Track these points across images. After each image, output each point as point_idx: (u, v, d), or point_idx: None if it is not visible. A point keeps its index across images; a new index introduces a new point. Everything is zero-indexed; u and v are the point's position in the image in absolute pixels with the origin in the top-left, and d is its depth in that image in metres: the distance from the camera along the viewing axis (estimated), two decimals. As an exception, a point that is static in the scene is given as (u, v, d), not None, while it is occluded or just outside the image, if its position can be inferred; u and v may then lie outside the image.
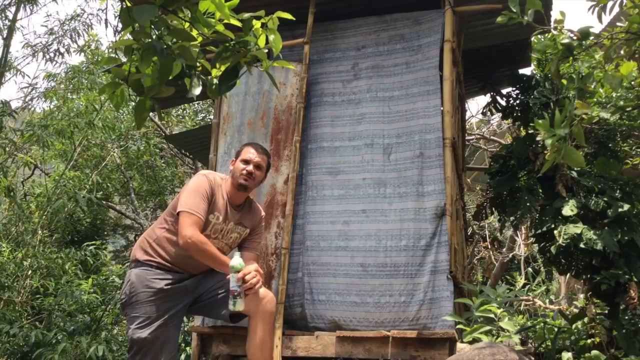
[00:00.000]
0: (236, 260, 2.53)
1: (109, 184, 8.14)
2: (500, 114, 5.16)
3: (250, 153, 2.83)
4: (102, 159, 7.62)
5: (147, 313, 2.59)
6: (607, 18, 2.69)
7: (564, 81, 4.33)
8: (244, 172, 2.77)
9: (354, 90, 3.58)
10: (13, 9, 6.22)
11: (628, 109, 4.21)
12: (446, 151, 3.25)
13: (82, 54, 7.64)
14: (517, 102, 4.81)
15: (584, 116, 2.30)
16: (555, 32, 2.80)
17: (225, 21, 1.79)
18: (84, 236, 8.17)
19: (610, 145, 4.47)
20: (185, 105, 9.54)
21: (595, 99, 4.40)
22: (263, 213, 3.01)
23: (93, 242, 6.21)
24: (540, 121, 2.31)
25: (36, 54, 6.91)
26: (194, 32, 1.77)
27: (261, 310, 2.66)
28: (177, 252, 2.68)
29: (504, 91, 5.02)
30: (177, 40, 1.70)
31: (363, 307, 3.13)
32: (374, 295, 3.12)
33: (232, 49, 1.85)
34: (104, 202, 8.41)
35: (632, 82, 4.08)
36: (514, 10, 2.51)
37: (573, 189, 4.06)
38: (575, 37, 2.60)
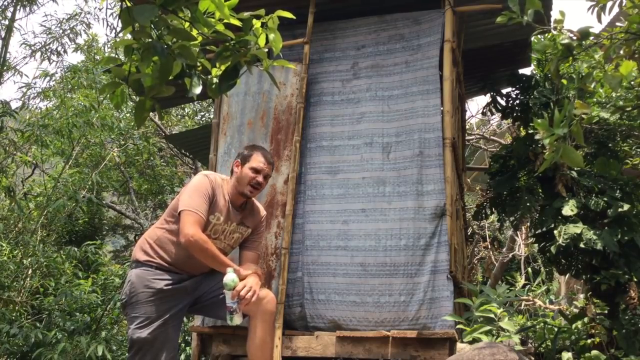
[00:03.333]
0: (229, 277, 2.50)
1: (107, 183, 8.14)
2: (500, 114, 5.16)
3: (261, 162, 2.78)
4: (102, 159, 7.62)
5: (146, 313, 2.59)
6: (606, 18, 2.70)
7: (564, 81, 4.33)
8: (254, 182, 2.75)
9: (353, 89, 3.58)
10: (12, 8, 6.22)
11: (628, 109, 4.21)
12: (446, 151, 3.25)
13: (81, 52, 7.64)
14: (517, 102, 4.81)
15: (583, 116, 2.31)
16: (555, 32, 2.80)
17: (225, 21, 1.79)
18: (81, 236, 8.16)
19: (610, 145, 4.47)
20: (186, 105, 9.54)
21: (595, 99, 4.40)
22: (264, 212, 3.00)
23: (93, 242, 6.20)
24: (539, 120, 2.32)
25: (34, 53, 6.92)
26: (194, 32, 1.77)
27: (262, 310, 2.66)
28: (177, 252, 2.67)
29: (504, 91, 5.02)
30: (177, 40, 1.70)
31: (363, 306, 3.12)
32: (374, 295, 3.12)
33: (232, 49, 1.84)
34: (101, 200, 8.40)
35: (632, 82, 4.08)
36: (514, 10, 2.51)
37: (573, 189, 4.05)
38: (575, 37, 2.60)
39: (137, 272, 2.67)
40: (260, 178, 2.76)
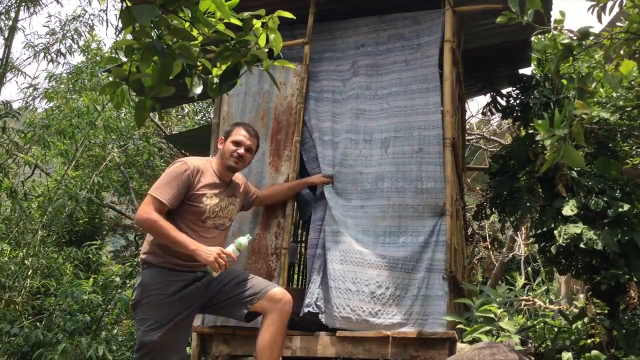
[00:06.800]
0: (244, 240, 2.67)
1: (108, 183, 8.14)
2: (500, 114, 5.16)
3: (241, 135, 2.83)
4: (103, 159, 7.63)
5: (157, 316, 2.56)
6: (606, 18, 2.69)
7: (564, 81, 4.33)
8: (235, 154, 2.78)
9: (352, 86, 3.57)
10: (15, 9, 6.24)
11: (628, 109, 4.22)
12: (446, 151, 3.24)
13: (84, 54, 7.65)
14: (517, 102, 4.81)
15: (583, 116, 2.31)
16: (555, 32, 2.80)
17: (226, 20, 1.80)
18: (82, 236, 8.16)
19: (610, 145, 4.47)
20: (186, 104, 9.53)
21: (595, 99, 4.40)
22: (242, 177, 3.06)
23: (93, 242, 6.20)
24: (539, 121, 2.32)
25: (37, 54, 6.93)
26: (195, 32, 1.77)
27: (278, 310, 2.66)
28: None
29: (504, 91, 5.02)
30: (178, 40, 1.70)
31: (357, 295, 3.07)
32: (370, 285, 3.06)
33: (233, 49, 1.85)
34: (101, 200, 8.40)
35: (632, 82, 4.08)
36: (514, 10, 2.51)
37: (573, 189, 4.05)
38: (575, 37, 2.60)
39: (149, 274, 2.62)
40: (241, 150, 2.79)
